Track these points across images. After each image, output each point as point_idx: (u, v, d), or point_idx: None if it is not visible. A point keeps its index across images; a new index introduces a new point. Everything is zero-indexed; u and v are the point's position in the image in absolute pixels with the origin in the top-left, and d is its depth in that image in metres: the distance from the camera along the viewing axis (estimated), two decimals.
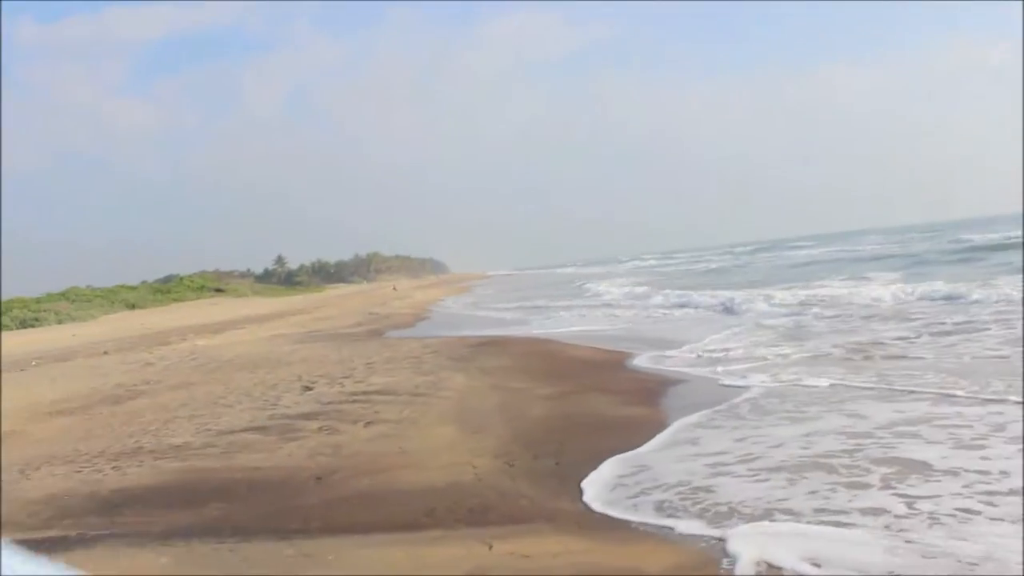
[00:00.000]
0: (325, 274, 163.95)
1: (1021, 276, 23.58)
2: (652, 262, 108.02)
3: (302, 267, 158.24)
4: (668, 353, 16.01)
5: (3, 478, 9.66)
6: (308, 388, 14.34)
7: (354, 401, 12.63)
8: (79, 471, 9.56)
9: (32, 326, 57.92)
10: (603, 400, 11.75)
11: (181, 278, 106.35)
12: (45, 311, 63.96)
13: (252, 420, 11.65)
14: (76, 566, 6.27)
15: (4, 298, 70.74)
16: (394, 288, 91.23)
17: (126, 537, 6.93)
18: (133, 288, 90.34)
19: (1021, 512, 5.78)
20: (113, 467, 9.61)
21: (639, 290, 40.71)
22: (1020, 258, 30.15)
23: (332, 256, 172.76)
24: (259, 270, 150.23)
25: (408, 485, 7.82)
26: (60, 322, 59.80)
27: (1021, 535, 5.37)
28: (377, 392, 13.31)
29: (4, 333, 53.07)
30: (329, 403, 12.51)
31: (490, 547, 6.05)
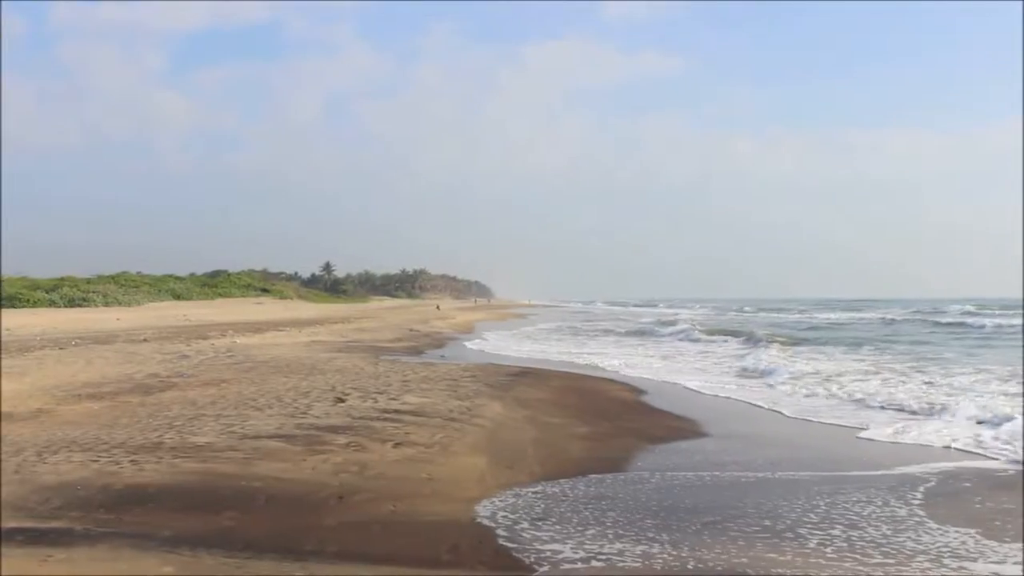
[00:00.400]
0: (371, 285, 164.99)
1: None
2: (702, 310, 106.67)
3: (348, 276, 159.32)
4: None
5: (22, 458, 9.42)
6: (341, 400, 14.00)
7: (385, 419, 12.26)
8: (96, 460, 9.27)
9: (79, 306, 58.68)
10: (641, 445, 11.25)
11: (229, 274, 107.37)
12: (94, 292, 64.80)
13: (280, 427, 11.32)
14: (76, 564, 5.94)
15: (55, 275, 71.87)
16: (437, 307, 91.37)
17: (132, 538, 6.58)
18: (181, 279, 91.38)
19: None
20: (131, 460, 9.31)
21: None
22: None
23: (379, 268, 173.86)
24: (306, 274, 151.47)
25: (432, 516, 7.40)
26: (107, 304, 60.54)
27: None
28: (410, 412, 12.93)
29: (52, 309, 53.80)
30: (360, 418, 12.14)
31: None
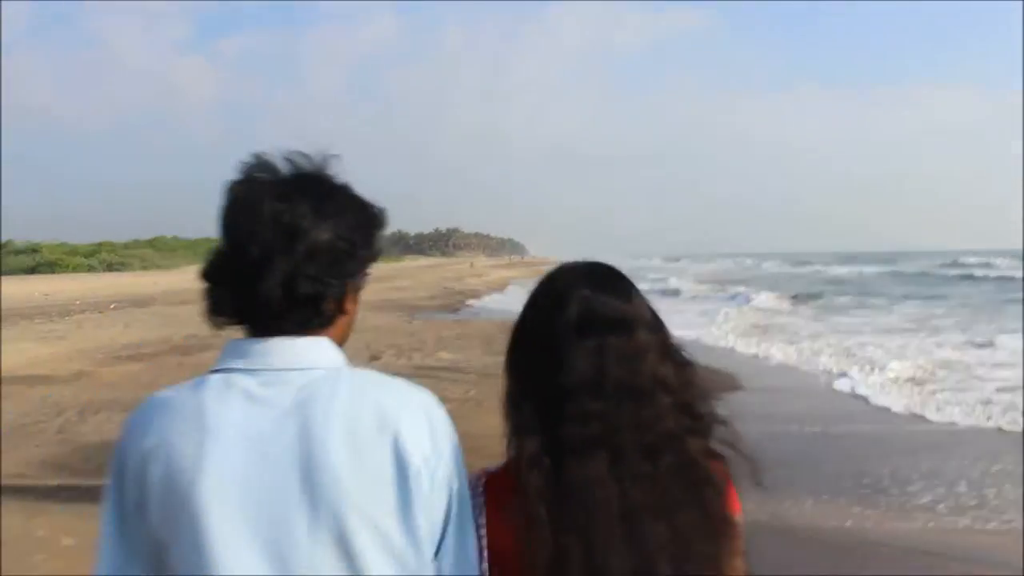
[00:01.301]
0: (404, 245, 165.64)
1: None
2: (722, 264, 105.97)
3: (381, 236, 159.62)
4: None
5: (64, 418, 9.55)
6: (375, 358, 14.05)
7: (420, 375, 12.26)
8: None
9: (117, 270, 59.40)
10: None
11: None
12: (131, 257, 65.53)
13: None
14: None
15: (95, 240, 72.71)
16: (471, 265, 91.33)
17: None
18: (216, 241, 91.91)
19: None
20: None
21: None
22: None
23: (413, 228, 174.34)
24: None
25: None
26: (145, 269, 61.21)
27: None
28: (444, 368, 12.94)
29: (90, 274, 54.48)
30: (394, 375, 12.15)
31: None
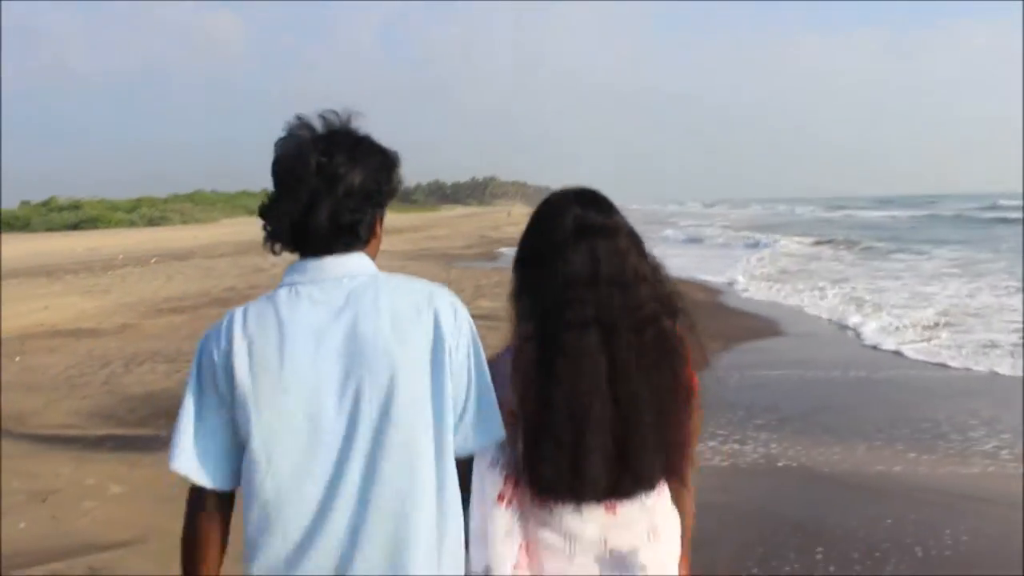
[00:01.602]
0: (441, 195, 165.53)
1: None
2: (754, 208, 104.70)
3: (418, 186, 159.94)
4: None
5: (110, 370, 9.71)
6: None
7: None
8: (179, 371, 9.49)
9: (158, 225, 60.03)
10: (717, 344, 11.11)
11: None
12: (172, 211, 66.16)
13: None
14: (162, 468, 6.11)
15: (135, 196, 73.47)
16: (508, 214, 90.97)
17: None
18: (254, 195, 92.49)
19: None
20: None
21: None
22: None
23: (450, 177, 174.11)
24: None
25: None
26: (184, 223, 61.80)
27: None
28: (483, 316, 12.87)
29: (131, 229, 55.14)
30: None
31: None
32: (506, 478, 1.77)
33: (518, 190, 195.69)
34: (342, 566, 1.58)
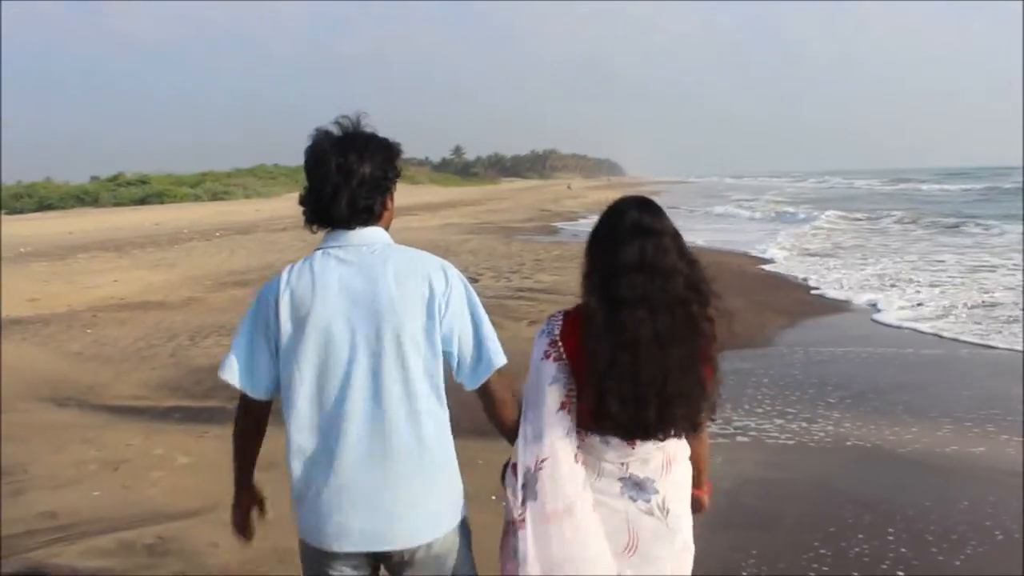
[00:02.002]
0: (501, 167, 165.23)
1: None
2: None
3: (479, 159, 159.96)
4: None
5: (176, 343, 9.87)
6: (474, 280, 14.07)
7: (519, 297, 12.28)
8: None
9: (221, 199, 60.87)
10: (778, 320, 10.93)
11: None
12: (234, 185, 67.01)
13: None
14: (229, 440, 6.18)
15: (198, 170, 74.61)
16: (568, 187, 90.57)
17: (278, 415, 6.75)
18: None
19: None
20: None
21: None
22: None
23: (509, 150, 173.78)
24: (436, 159, 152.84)
25: None
26: (247, 197, 62.56)
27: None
28: (543, 291, 12.90)
29: (195, 204, 56.04)
30: (493, 297, 12.16)
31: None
32: (567, 394, 2.33)
33: (578, 163, 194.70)
34: (350, 445, 2.22)
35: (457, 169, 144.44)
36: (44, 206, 58.19)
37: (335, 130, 2.30)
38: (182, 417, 6.87)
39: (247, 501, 2.52)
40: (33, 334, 10.67)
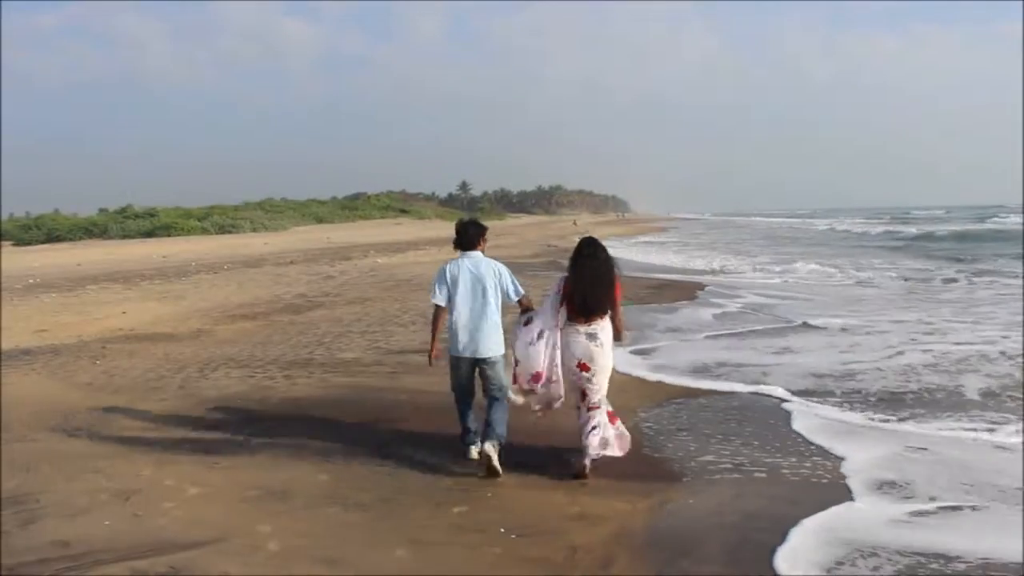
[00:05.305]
0: (507, 203, 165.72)
1: None
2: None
3: (485, 194, 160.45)
4: None
5: (186, 374, 9.95)
6: None
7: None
8: (252, 376, 9.71)
9: (229, 232, 61.19)
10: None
11: (368, 196, 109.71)
12: (242, 218, 67.36)
13: (425, 342, 11.53)
14: (239, 471, 6.26)
15: (206, 204, 75.01)
16: (575, 223, 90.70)
17: (288, 448, 6.87)
18: (323, 203, 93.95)
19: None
20: (285, 375, 9.71)
21: None
22: None
23: (515, 186, 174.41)
24: (443, 194, 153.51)
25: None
26: (255, 230, 62.88)
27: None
28: None
29: (204, 236, 56.32)
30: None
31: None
32: (561, 301, 6.23)
33: (584, 199, 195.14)
34: (477, 332, 6.41)
35: (463, 204, 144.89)
36: (53, 238, 58.61)
37: (466, 217, 7.14)
38: (192, 448, 6.93)
39: (436, 348, 6.54)
40: (43, 365, 10.77)
